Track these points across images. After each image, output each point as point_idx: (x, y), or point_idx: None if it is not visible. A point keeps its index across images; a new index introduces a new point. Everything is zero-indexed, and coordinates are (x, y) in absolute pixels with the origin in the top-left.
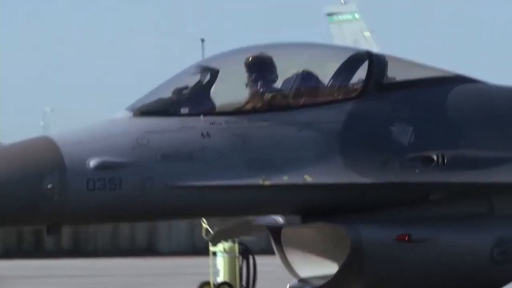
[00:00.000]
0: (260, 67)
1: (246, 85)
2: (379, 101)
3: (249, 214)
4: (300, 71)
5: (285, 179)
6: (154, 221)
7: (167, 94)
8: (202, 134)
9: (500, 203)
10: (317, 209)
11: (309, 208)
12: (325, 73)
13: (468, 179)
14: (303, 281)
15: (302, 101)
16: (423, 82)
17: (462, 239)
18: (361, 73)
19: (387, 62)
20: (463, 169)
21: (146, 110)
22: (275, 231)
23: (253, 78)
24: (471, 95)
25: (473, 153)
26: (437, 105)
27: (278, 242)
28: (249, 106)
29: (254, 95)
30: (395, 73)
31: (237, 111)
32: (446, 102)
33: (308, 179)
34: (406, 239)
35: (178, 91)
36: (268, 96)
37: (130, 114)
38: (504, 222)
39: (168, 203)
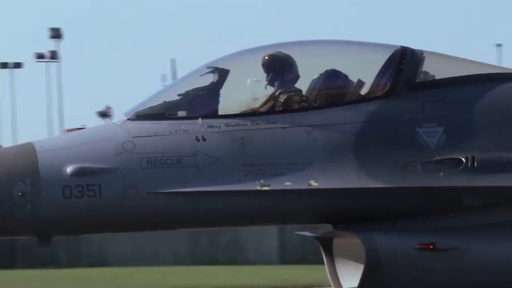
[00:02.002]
0: (273, 66)
1: (265, 86)
2: (409, 100)
3: (247, 223)
4: (323, 70)
5: (287, 184)
6: (138, 231)
7: (170, 96)
8: (196, 138)
9: None
10: (328, 216)
11: (320, 216)
12: (352, 71)
13: (499, 183)
14: None
15: (317, 102)
16: (466, 80)
17: (496, 249)
18: (391, 71)
19: (423, 58)
20: (494, 172)
21: (142, 114)
22: (325, 241)
23: (267, 78)
24: None
25: (509, 156)
26: (477, 105)
27: (327, 251)
28: (255, 108)
29: (263, 97)
30: (435, 70)
31: (240, 113)
32: (488, 102)
33: (314, 184)
34: (431, 248)
35: (181, 94)
36: (277, 97)
37: (124, 118)
38: None
39: (152, 212)
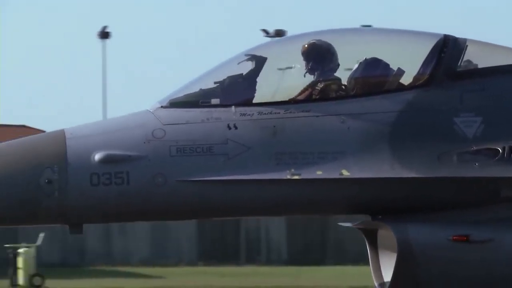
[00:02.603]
0: (313, 55)
1: (304, 75)
2: (449, 90)
3: (278, 213)
4: (363, 59)
5: (318, 173)
6: (168, 220)
7: (206, 84)
8: (228, 126)
9: None
10: (364, 207)
11: (355, 207)
12: (393, 60)
13: None
14: (381, 285)
15: (354, 90)
16: (508, 69)
17: None
18: (432, 60)
19: (466, 47)
20: None
21: (176, 102)
22: (369, 233)
23: (307, 66)
24: None
25: None
26: None
27: (372, 244)
28: (291, 96)
29: (301, 85)
30: (479, 59)
31: (274, 102)
32: None
33: (346, 173)
34: (465, 239)
35: (218, 81)
36: (315, 85)
37: (158, 105)
38: None
39: (182, 200)
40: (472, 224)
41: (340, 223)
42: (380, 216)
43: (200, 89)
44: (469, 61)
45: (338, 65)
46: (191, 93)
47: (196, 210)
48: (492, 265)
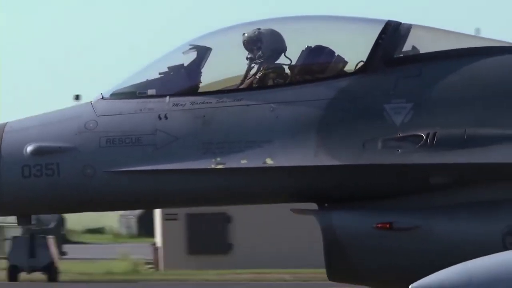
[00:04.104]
0: (254, 43)
1: (247, 64)
2: (383, 76)
3: (209, 203)
4: (306, 46)
5: (243, 162)
6: (99, 211)
7: (150, 74)
8: (159, 116)
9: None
10: (294, 195)
11: (283, 195)
12: (335, 47)
13: (455, 160)
14: None
15: (290, 78)
16: (445, 54)
17: (457, 229)
18: (370, 46)
19: (408, 33)
20: (454, 149)
21: (116, 93)
22: None
23: (248, 55)
24: (503, 67)
25: (476, 132)
26: (450, 80)
27: None
28: (229, 86)
29: (241, 74)
30: (423, 45)
31: (207, 91)
32: (460, 77)
33: (269, 162)
34: (388, 227)
35: (162, 72)
36: (254, 74)
37: (99, 97)
38: None
39: (110, 191)
40: (398, 212)
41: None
42: (326, 204)
43: (143, 79)
44: (414, 47)
45: (281, 53)
46: (132, 84)
47: (126, 201)
48: (418, 253)
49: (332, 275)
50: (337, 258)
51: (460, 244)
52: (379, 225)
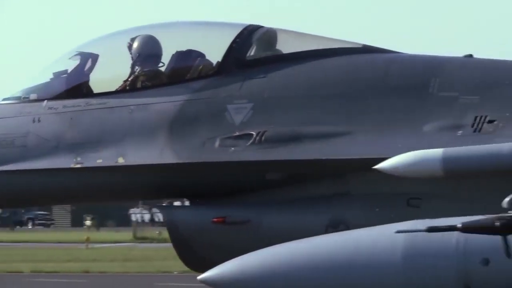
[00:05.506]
0: (132, 49)
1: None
2: (233, 78)
3: (72, 201)
4: (175, 51)
5: (98, 162)
6: None
7: (42, 78)
8: (33, 119)
9: (335, 184)
10: (150, 192)
11: (139, 192)
12: (203, 51)
13: (276, 157)
14: None
15: (153, 82)
16: (291, 56)
17: (291, 221)
18: (225, 49)
19: (262, 36)
20: (280, 146)
21: (8, 97)
22: None
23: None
24: (342, 67)
25: (302, 130)
26: (291, 81)
27: None
28: (94, 89)
29: (118, 78)
30: (284, 48)
31: (78, 95)
32: (300, 78)
33: (121, 161)
34: (222, 221)
35: (46, 77)
36: (128, 77)
37: None
38: (340, 204)
39: None
40: (233, 207)
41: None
42: (197, 200)
43: (32, 85)
44: (276, 50)
45: (155, 58)
46: (22, 89)
47: (5, 200)
48: (249, 244)
49: (188, 265)
50: (184, 251)
51: (286, 236)
52: (215, 220)
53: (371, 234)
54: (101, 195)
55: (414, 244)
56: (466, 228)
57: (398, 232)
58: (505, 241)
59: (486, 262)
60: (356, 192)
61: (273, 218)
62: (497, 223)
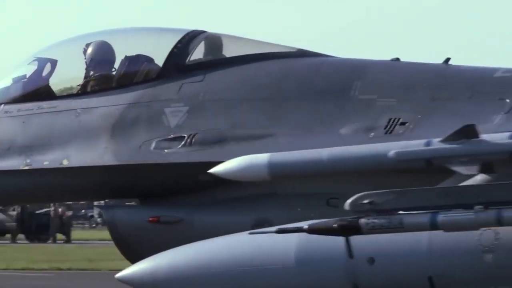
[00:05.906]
0: (86, 54)
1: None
2: (172, 82)
3: (25, 201)
4: (124, 56)
5: (45, 164)
6: None
7: (5, 83)
8: None
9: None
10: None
11: (84, 193)
12: (151, 56)
13: (208, 159)
14: None
15: (101, 86)
16: (230, 61)
17: (221, 220)
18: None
19: (202, 41)
20: (206, 149)
21: None
22: None
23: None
24: (274, 71)
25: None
26: (225, 85)
27: None
28: (47, 94)
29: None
30: (217, 52)
31: (31, 99)
32: (233, 81)
33: (65, 163)
34: (156, 220)
35: (7, 82)
36: (80, 82)
37: None
38: (265, 204)
39: None
40: (167, 207)
41: None
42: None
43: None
44: (208, 54)
45: (108, 63)
46: None
47: None
48: (182, 244)
49: (132, 263)
50: (124, 249)
51: (216, 235)
52: (150, 219)
53: (271, 235)
54: (52, 195)
55: (306, 246)
56: (312, 230)
57: (251, 233)
58: (348, 242)
59: (372, 261)
60: (282, 192)
61: (204, 218)
62: (335, 225)
